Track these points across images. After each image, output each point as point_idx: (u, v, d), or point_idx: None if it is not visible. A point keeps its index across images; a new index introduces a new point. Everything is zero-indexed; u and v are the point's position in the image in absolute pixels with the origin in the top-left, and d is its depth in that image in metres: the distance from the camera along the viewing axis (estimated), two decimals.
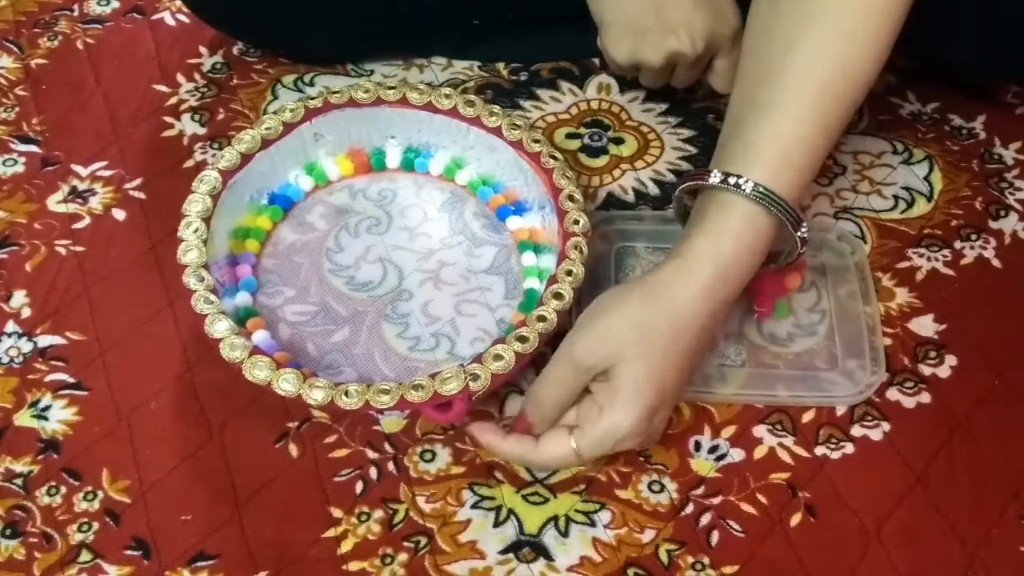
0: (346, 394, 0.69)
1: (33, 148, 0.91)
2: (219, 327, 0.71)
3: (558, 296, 0.73)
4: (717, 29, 0.83)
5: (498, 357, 0.70)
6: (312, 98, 0.84)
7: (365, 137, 0.86)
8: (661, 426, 0.70)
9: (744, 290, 0.70)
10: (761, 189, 0.67)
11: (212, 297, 0.73)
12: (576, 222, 0.77)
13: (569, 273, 0.74)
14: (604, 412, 0.67)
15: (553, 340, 0.72)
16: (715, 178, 0.69)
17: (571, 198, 0.79)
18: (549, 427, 0.70)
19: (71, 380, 0.77)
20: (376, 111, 0.85)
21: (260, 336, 0.75)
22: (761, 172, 0.68)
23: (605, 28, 0.84)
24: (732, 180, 0.68)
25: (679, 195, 0.73)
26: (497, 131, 0.83)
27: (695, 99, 0.94)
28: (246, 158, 0.81)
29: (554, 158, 0.81)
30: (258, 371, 0.70)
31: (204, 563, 0.69)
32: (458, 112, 0.84)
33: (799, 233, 0.70)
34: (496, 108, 0.84)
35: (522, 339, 0.71)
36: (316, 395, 0.69)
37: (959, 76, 0.94)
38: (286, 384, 0.69)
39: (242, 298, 0.78)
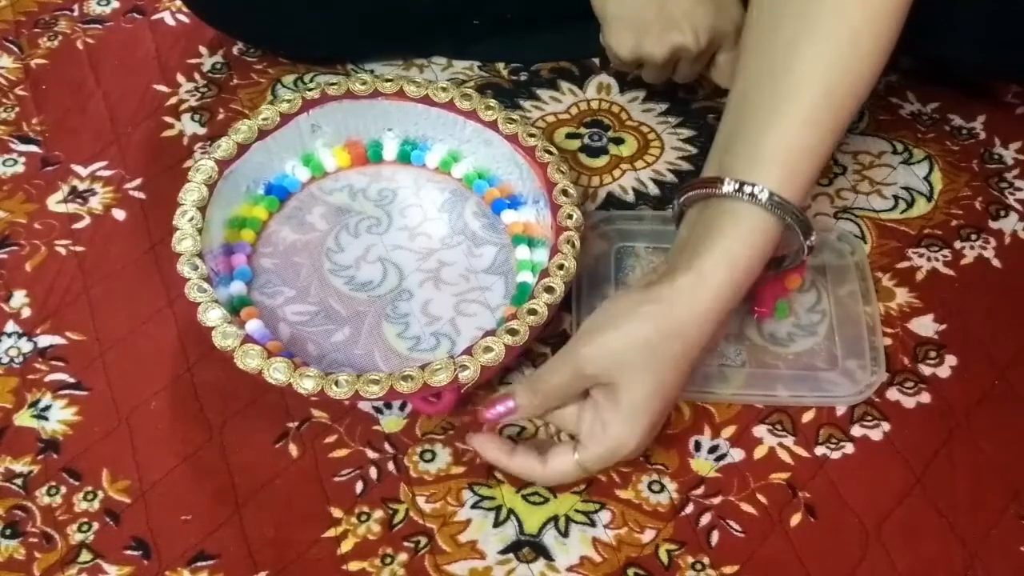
0: (336, 384, 0.69)
1: (33, 148, 0.91)
2: (212, 315, 0.72)
3: (549, 290, 0.73)
4: (720, 24, 0.83)
5: (488, 349, 0.70)
6: (310, 89, 0.85)
7: (362, 129, 0.87)
8: (655, 432, 0.69)
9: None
10: (776, 199, 0.66)
11: (206, 286, 0.73)
12: (570, 216, 0.77)
13: (561, 267, 0.75)
14: (608, 429, 0.67)
15: (544, 335, 0.72)
16: (729, 186, 0.67)
17: (565, 192, 0.79)
18: (533, 415, 0.70)
19: (71, 380, 0.77)
20: (373, 103, 0.85)
21: (253, 325, 0.75)
22: (774, 180, 0.66)
23: (608, 23, 0.84)
24: (748, 189, 0.66)
25: (684, 201, 0.71)
26: (493, 125, 0.84)
27: (695, 99, 0.94)
28: (243, 148, 0.82)
29: (549, 152, 0.81)
30: (249, 359, 0.70)
31: (204, 563, 0.69)
32: (455, 105, 0.84)
33: (808, 242, 0.69)
34: (492, 102, 0.84)
35: (512, 332, 0.71)
36: (307, 384, 0.69)
37: (959, 75, 0.94)
38: (277, 373, 0.69)
39: (236, 288, 0.78)
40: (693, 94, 0.94)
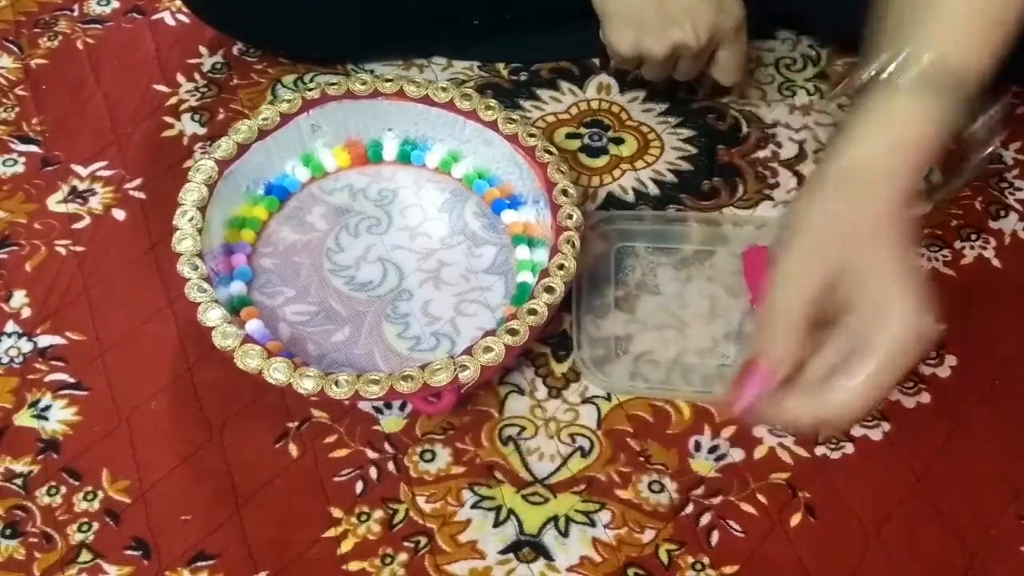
0: (336, 384, 0.69)
1: (33, 148, 0.91)
2: (212, 315, 0.72)
3: (549, 290, 0.73)
4: (720, 20, 0.82)
5: (488, 349, 0.70)
6: (310, 89, 0.85)
7: (362, 129, 0.87)
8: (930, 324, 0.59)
9: (744, 288, 0.69)
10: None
11: (206, 286, 0.73)
12: (570, 216, 0.77)
13: (561, 267, 0.75)
14: (885, 313, 0.57)
15: (544, 335, 0.72)
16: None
17: (565, 192, 0.79)
18: (792, 357, 0.58)
19: (71, 380, 0.77)
20: (373, 103, 0.85)
21: (253, 325, 0.75)
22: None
23: (608, 19, 0.84)
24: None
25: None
26: (493, 125, 0.84)
27: (695, 99, 0.94)
28: (242, 148, 0.82)
29: (549, 152, 0.82)
30: (249, 359, 0.70)
31: (204, 563, 0.69)
32: (455, 105, 0.84)
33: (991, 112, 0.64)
34: (492, 102, 0.84)
35: (512, 332, 0.71)
36: (306, 384, 0.69)
37: None
38: (277, 373, 0.69)
39: (236, 288, 0.78)
40: (693, 94, 0.94)
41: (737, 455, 0.74)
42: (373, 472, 0.73)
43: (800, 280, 0.59)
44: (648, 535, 0.70)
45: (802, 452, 0.74)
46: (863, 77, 0.63)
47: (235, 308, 0.76)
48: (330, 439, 0.74)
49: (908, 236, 0.60)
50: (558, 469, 0.73)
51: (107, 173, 0.89)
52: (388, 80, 0.85)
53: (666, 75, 0.88)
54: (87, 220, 0.86)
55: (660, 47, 0.83)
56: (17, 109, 0.94)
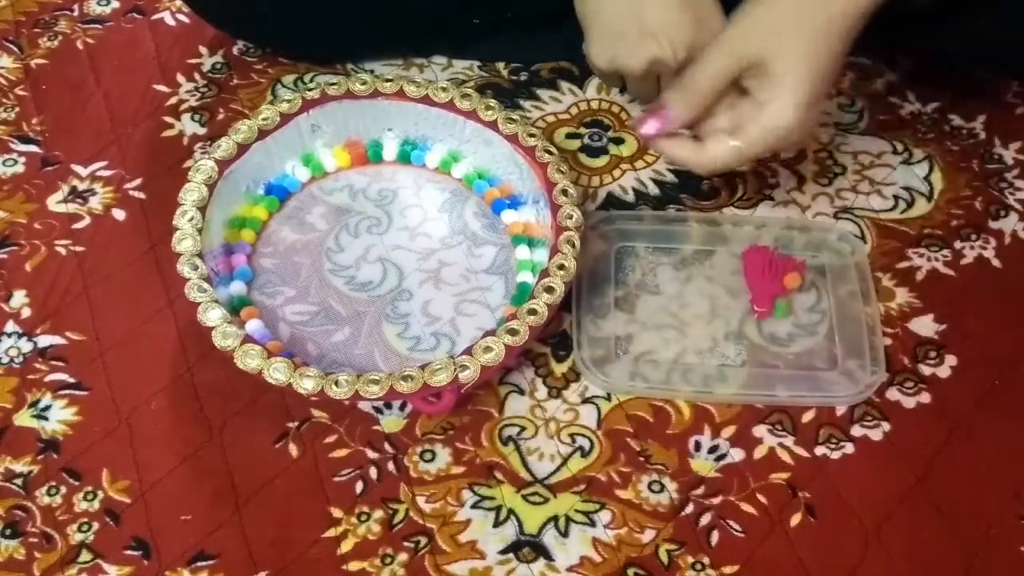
0: (336, 384, 0.69)
1: (33, 148, 0.91)
2: (212, 315, 0.72)
3: (549, 290, 0.73)
4: (700, 36, 0.79)
5: (488, 349, 0.70)
6: (310, 89, 0.85)
7: (362, 129, 0.87)
8: (817, 121, 0.71)
9: (744, 288, 0.70)
10: None
11: (206, 286, 0.73)
12: (570, 216, 0.77)
13: (561, 267, 0.75)
14: (765, 106, 0.69)
15: (544, 335, 0.72)
16: None
17: (565, 192, 0.79)
18: (689, 116, 0.73)
19: (71, 380, 0.77)
20: (373, 103, 0.85)
21: (253, 325, 0.75)
22: None
23: (587, 33, 0.82)
24: None
25: None
26: (493, 125, 0.84)
27: None
28: (242, 148, 0.82)
29: (549, 152, 0.81)
30: (249, 359, 0.70)
31: (204, 563, 0.69)
32: (455, 105, 0.84)
33: None
34: (492, 102, 0.84)
35: (512, 332, 0.71)
36: (307, 384, 0.69)
37: (957, 70, 0.94)
38: (277, 373, 0.69)
39: (236, 288, 0.78)
40: None
41: (737, 455, 0.74)
42: (373, 472, 0.73)
43: (717, 64, 0.72)
44: (648, 535, 0.70)
45: (802, 452, 0.74)
46: None
47: (235, 308, 0.76)
48: (330, 439, 0.74)
49: (832, 35, 0.69)
50: (558, 469, 0.73)
51: (107, 173, 0.89)
52: (388, 80, 0.85)
53: (650, 94, 0.86)
54: (87, 220, 0.86)
55: (636, 62, 0.81)
56: (17, 109, 0.94)
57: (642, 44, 0.80)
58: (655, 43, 0.79)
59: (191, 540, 0.69)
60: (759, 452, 0.74)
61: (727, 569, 0.69)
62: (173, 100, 0.95)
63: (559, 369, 0.78)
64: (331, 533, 0.70)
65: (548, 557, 0.69)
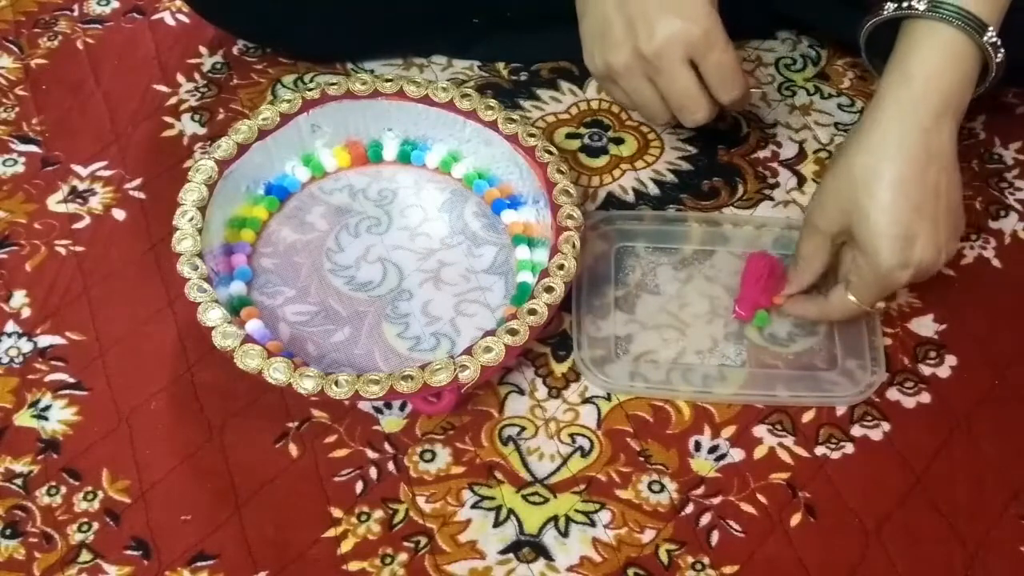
0: (336, 384, 0.69)
1: (33, 148, 0.91)
2: (212, 315, 0.72)
3: (549, 290, 0.73)
4: (685, 28, 0.75)
5: (488, 349, 0.70)
6: (310, 89, 0.85)
7: (362, 129, 0.87)
8: (929, 255, 0.71)
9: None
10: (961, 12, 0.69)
11: (206, 286, 0.73)
12: (570, 216, 0.77)
13: (561, 267, 0.75)
14: (861, 259, 0.71)
15: (544, 335, 0.72)
16: (921, 4, 0.70)
17: (565, 192, 0.79)
18: (811, 281, 0.77)
19: (71, 380, 0.77)
20: (373, 103, 0.86)
21: (253, 325, 0.75)
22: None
23: (582, 36, 0.81)
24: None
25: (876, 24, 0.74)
26: (493, 125, 0.84)
27: None
28: (242, 148, 0.82)
29: (549, 152, 0.81)
30: (249, 360, 0.70)
31: (204, 563, 0.69)
32: (455, 106, 0.84)
33: (996, 59, 0.71)
34: (493, 102, 0.84)
35: (512, 332, 0.71)
36: (307, 384, 0.69)
37: None
38: (277, 373, 0.69)
39: (236, 288, 0.78)
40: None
41: (737, 455, 0.74)
42: (373, 472, 0.73)
43: (815, 239, 0.75)
44: (648, 535, 0.70)
45: (802, 452, 0.74)
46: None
47: (235, 308, 0.76)
48: (330, 439, 0.74)
49: (918, 159, 0.70)
50: (558, 469, 0.73)
51: (107, 173, 0.89)
52: (388, 80, 0.85)
53: (652, 100, 0.81)
54: (87, 220, 0.86)
55: (620, 57, 0.78)
56: (17, 109, 0.94)
57: (626, 36, 0.76)
58: (636, 34, 0.75)
59: (191, 540, 0.69)
60: (759, 452, 0.74)
61: (727, 569, 0.69)
62: (173, 100, 0.95)
63: (559, 369, 0.78)
64: (331, 533, 0.70)
65: (548, 557, 0.69)
